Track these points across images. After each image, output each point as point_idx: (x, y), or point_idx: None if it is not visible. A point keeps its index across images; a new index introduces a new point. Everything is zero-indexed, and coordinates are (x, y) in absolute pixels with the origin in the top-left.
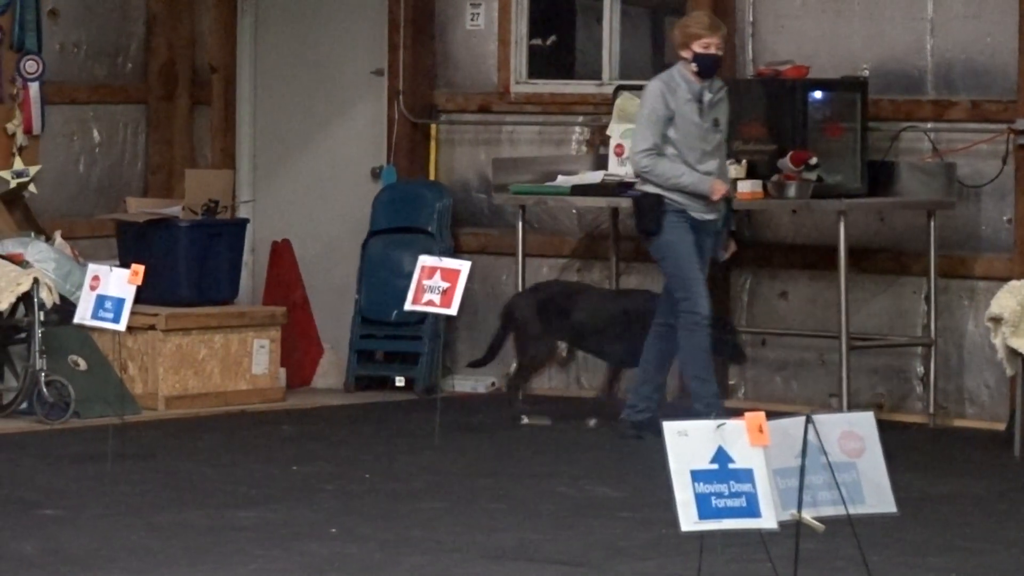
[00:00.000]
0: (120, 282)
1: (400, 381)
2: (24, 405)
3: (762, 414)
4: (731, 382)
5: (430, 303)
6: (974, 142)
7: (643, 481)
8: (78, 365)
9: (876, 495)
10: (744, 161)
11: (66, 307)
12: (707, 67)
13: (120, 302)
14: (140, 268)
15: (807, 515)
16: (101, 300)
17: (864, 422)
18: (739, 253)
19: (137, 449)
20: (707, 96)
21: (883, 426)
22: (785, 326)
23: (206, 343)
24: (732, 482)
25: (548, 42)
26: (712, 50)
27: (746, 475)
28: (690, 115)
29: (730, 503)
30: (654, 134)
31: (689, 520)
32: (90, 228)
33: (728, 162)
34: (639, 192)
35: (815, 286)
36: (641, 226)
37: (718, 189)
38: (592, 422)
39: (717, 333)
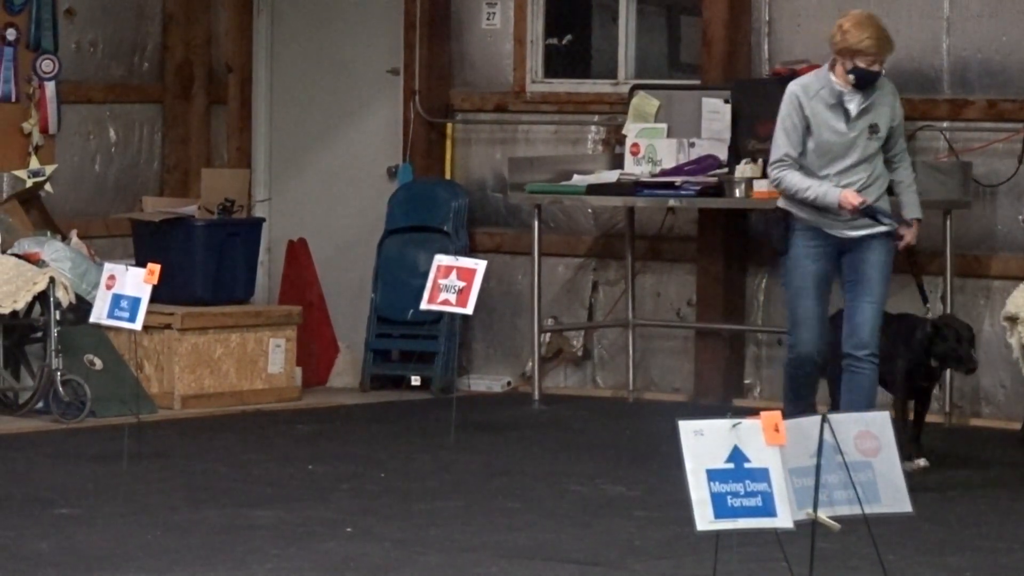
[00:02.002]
0: (136, 281)
1: (416, 380)
2: (40, 404)
3: (778, 413)
4: (747, 381)
5: (446, 302)
6: (990, 141)
7: (658, 480)
8: (94, 364)
9: (892, 494)
10: (760, 160)
11: (82, 306)
12: (866, 83)
13: (136, 301)
14: (156, 267)
15: (823, 514)
16: (117, 299)
17: (880, 421)
18: (755, 253)
19: (153, 448)
20: (855, 100)
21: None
22: None
23: (222, 342)
24: (748, 481)
25: (564, 41)
26: (876, 67)
27: (762, 474)
28: (831, 122)
29: (746, 502)
30: (788, 143)
31: (705, 519)
32: (106, 227)
33: (745, 161)
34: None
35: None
36: (771, 244)
37: (847, 201)
38: (921, 462)
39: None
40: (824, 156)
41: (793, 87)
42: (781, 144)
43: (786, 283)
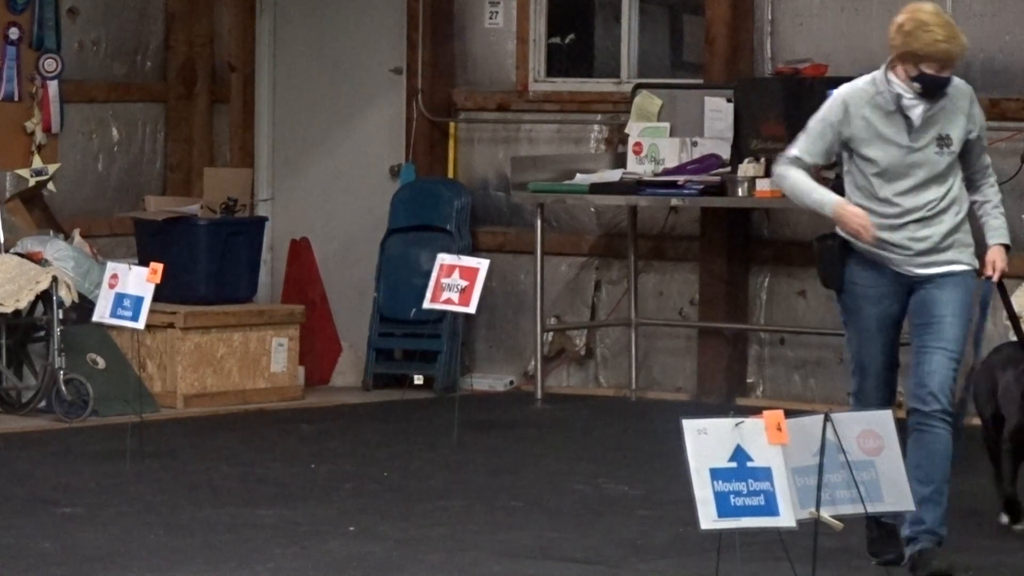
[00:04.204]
0: (139, 280)
1: (419, 379)
2: (43, 403)
3: (781, 412)
4: (749, 380)
5: (449, 301)
6: (992, 140)
7: (661, 479)
8: (97, 363)
9: (894, 493)
10: (762, 159)
11: (85, 305)
12: (932, 90)
13: (139, 300)
14: (159, 266)
15: (825, 513)
16: (120, 298)
17: (882, 420)
18: (757, 252)
19: (155, 447)
20: (919, 105)
21: (901, 424)
22: (803, 324)
23: (225, 341)
24: (751, 480)
25: (567, 40)
26: (946, 74)
27: (765, 473)
28: (890, 134)
29: (749, 501)
30: (808, 146)
31: (708, 518)
32: (109, 226)
33: (747, 160)
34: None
35: None
36: (821, 278)
37: (847, 221)
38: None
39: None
40: (882, 174)
41: (842, 92)
42: (800, 143)
43: (846, 326)
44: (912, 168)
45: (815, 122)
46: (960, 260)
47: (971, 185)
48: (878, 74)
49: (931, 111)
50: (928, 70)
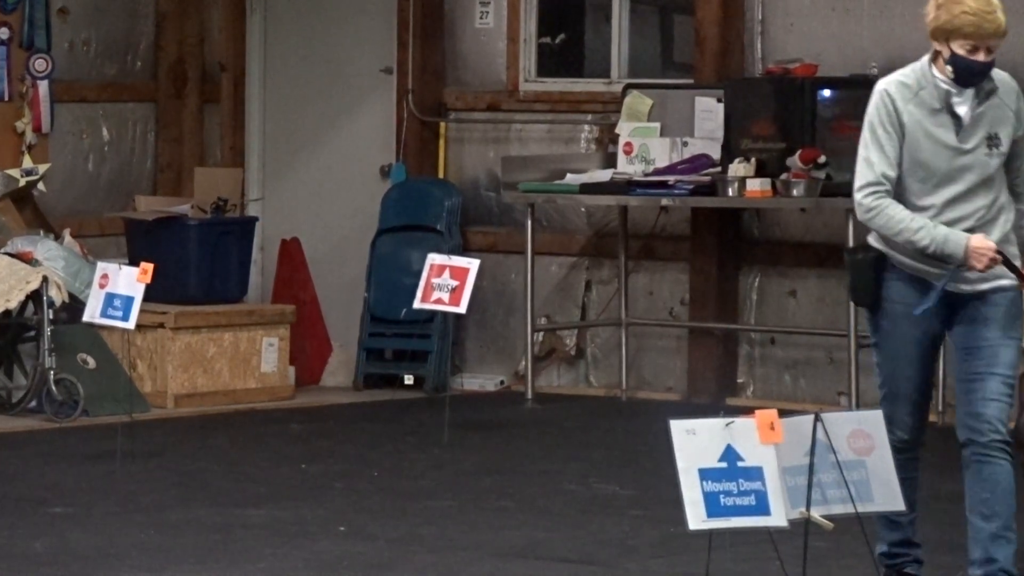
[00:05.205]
0: (129, 280)
1: (409, 379)
2: (33, 403)
3: (774, 412)
4: (740, 380)
5: (439, 301)
6: None
7: (652, 479)
8: (87, 363)
9: (885, 493)
10: (753, 159)
11: (75, 305)
12: (967, 76)
13: (129, 300)
14: (149, 266)
15: (816, 513)
16: (110, 298)
17: (873, 420)
18: (747, 252)
19: (146, 447)
20: (968, 101)
21: None
22: (794, 324)
23: (215, 341)
24: (741, 480)
25: (557, 40)
26: (981, 57)
27: (756, 473)
28: (937, 132)
29: (739, 501)
30: (884, 160)
31: (697, 519)
32: (99, 226)
33: (738, 160)
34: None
35: (824, 284)
36: (851, 295)
37: (979, 253)
38: None
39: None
40: (928, 180)
41: (884, 85)
42: (874, 161)
43: (878, 346)
44: (962, 172)
45: (876, 128)
46: (1008, 274)
47: (1013, 191)
48: (919, 66)
49: (980, 108)
50: (959, 50)
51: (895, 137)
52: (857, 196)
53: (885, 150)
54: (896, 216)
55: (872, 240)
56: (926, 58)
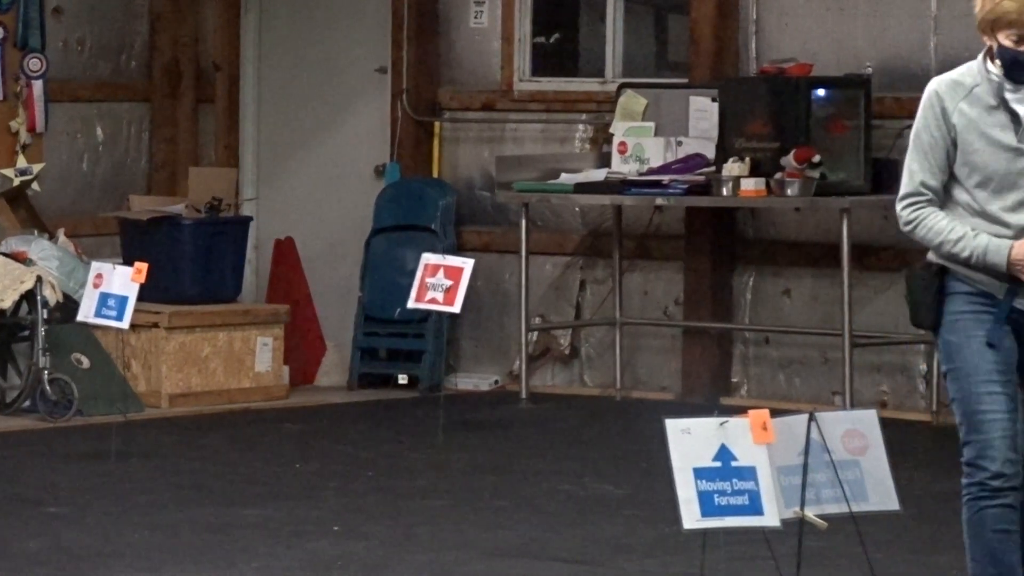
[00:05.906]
0: (123, 280)
1: (403, 379)
2: (27, 403)
3: (766, 411)
4: (734, 379)
5: (433, 301)
6: None
7: (646, 478)
8: (81, 363)
9: (879, 493)
10: (747, 159)
11: (69, 305)
12: (1016, 69)
13: (123, 300)
14: (144, 266)
15: (810, 513)
16: (104, 298)
17: (867, 420)
18: (742, 252)
19: (140, 447)
20: None
21: (886, 424)
22: (788, 324)
23: (209, 341)
24: (735, 480)
25: (552, 40)
26: None
27: (749, 473)
28: (994, 133)
29: (733, 501)
30: (925, 168)
31: (691, 518)
32: (94, 226)
33: (732, 160)
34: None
35: (818, 284)
36: (912, 317)
37: (1022, 264)
38: None
39: None
40: (985, 185)
41: (934, 85)
42: (915, 170)
43: (950, 369)
44: (1014, 177)
45: (921, 134)
46: None
47: None
48: (975, 64)
49: None
50: (1006, 41)
51: (941, 141)
52: (896, 208)
53: (928, 157)
54: (936, 227)
55: (931, 255)
56: (982, 53)
